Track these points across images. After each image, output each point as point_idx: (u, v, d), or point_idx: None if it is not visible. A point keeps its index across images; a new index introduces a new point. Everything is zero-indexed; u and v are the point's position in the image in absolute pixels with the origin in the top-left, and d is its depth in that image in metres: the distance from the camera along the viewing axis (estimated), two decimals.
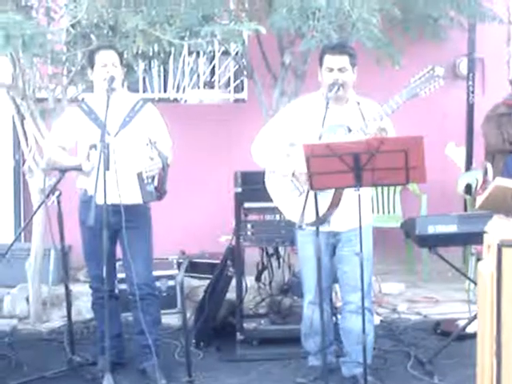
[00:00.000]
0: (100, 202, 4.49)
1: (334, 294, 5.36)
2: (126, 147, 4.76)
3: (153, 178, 4.69)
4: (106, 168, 4.48)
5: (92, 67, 4.81)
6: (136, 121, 4.86)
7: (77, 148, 4.90)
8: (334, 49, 4.61)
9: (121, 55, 4.94)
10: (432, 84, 4.36)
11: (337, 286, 5.15)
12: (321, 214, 4.41)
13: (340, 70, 4.55)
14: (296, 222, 4.57)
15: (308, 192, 4.34)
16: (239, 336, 5.42)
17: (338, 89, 4.53)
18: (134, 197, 4.71)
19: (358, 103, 4.60)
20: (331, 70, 4.56)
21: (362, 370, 4.48)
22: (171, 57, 6.42)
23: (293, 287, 5.70)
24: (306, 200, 4.33)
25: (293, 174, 4.58)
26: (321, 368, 4.74)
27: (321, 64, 4.65)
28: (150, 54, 5.91)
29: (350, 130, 4.49)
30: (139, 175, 4.66)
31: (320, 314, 4.53)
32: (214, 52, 7.62)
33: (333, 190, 4.45)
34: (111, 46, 4.97)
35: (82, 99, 5.44)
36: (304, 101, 4.80)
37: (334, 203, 4.50)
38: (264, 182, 4.80)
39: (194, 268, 6.71)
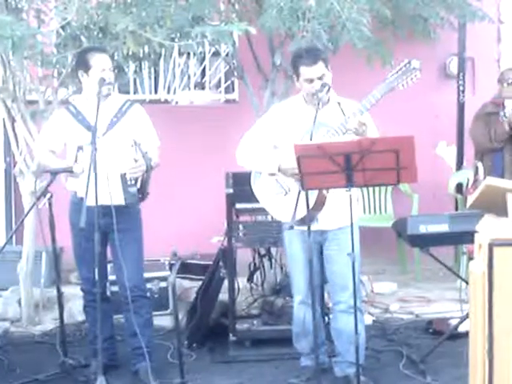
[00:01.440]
0: (90, 204, 4.49)
1: (326, 295, 5.37)
2: (114, 147, 4.76)
3: (136, 179, 4.69)
4: (95, 170, 4.47)
5: (86, 70, 4.79)
6: (123, 121, 4.86)
7: (66, 150, 4.90)
8: (308, 59, 4.59)
9: (112, 59, 4.94)
10: (409, 77, 4.41)
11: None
12: (303, 215, 4.42)
13: (320, 78, 4.57)
14: (283, 221, 4.61)
15: (299, 192, 4.35)
16: (232, 337, 5.42)
17: (329, 90, 4.55)
18: (119, 197, 4.70)
19: (339, 103, 4.62)
20: (311, 80, 4.58)
21: (355, 370, 4.49)
22: (162, 58, 6.43)
23: (285, 287, 5.70)
24: (297, 199, 4.35)
25: (279, 169, 4.59)
26: (313, 368, 4.74)
27: (296, 73, 4.65)
28: (141, 55, 5.92)
29: (330, 129, 4.50)
30: (122, 176, 4.66)
31: (312, 314, 4.53)
32: (204, 53, 7.62)
33: (316, 192, 4.46)
34: (104, 49, 4.97)
35: (71, 101, 5.44)
36: (286, 104, 4.85)
37: (318, 205, 4.51)
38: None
39: (186, 269, 6.69)
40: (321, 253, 4.76)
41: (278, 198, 4.64)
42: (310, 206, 4.43)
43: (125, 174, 4.66)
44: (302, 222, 4.43)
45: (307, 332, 4.74)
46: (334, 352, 4.93)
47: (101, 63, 4.75)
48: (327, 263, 4.75)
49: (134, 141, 4.68)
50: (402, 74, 4.40)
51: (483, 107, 6.59)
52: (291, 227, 4.48)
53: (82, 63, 4.83)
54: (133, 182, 4.67)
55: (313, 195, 4.46)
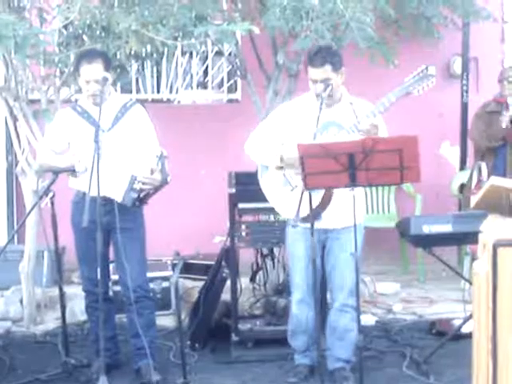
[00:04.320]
0: (93, 194, 4.45)
1: (328, 294, 5.36)
2: (118, 142, 4.76)
3: (142, 189, 4.66)
4: (98, 167, 4.46)
5: (77, 76, 4.82)
6: (127, 117, 4.85)
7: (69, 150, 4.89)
8: (315, 61, 4.55)
9: (108, 62, 4.84)
10: (425, 83, 4.44)
11: None
12: (307, 212, 4.41)
13: (323, 81, 4.53)
14: (288, 218, 4.61)
15: (303, 190, 4.35)
16: (234, 337, 5.40)
17: (331, 89, 4.53)
18: (118, 194, 4.67)
19: (351, 103, 4.61)
20: (315, 81, 4.57)
21: (341, 365, 4.77)
22: (164, 57, 6.42)
23: (287, 288, 5.68)
24: (301, 197, 4.35)
25: (281, 160, 4.58)
26: (309, 366, 4.89)
27: (306, 71, 4.64)
28: (143, 54, 5.91)
29: (341, 128, 4.50)
30: (132, 178, 4.62)
31: (314, 313, 4.53)
32: (207, 52, 7.62)
33: (323, 190, 4.46)
34: (96, 57, 4.80)
35: (75, 100, 5.43)
36: (296, 102, 4.84)
37: (324, 203, 4.51)
38: (258, 183, 4.80)
39: (188, 269, 6.69)
40: (322, 252, 4.77)
41: (284, 194, 4.63)
42: (316, 203, 4.43)
43: (136, 177, 4.62)
44: (306, 219, 4.42)
45: (305, 330, 4.78)
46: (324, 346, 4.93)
47: (86, 75, 4.72)
48: (327, 261, 4.77)
49: (162, 152, 4.67)
50: (418, 79, 4.43)
51: (485, 106, 6.59)
52: (295, 225, 4.48)
53: (76, 68, 4.86)
54: (137, 188, 4.64)
55: (319, 193, 4.46)
